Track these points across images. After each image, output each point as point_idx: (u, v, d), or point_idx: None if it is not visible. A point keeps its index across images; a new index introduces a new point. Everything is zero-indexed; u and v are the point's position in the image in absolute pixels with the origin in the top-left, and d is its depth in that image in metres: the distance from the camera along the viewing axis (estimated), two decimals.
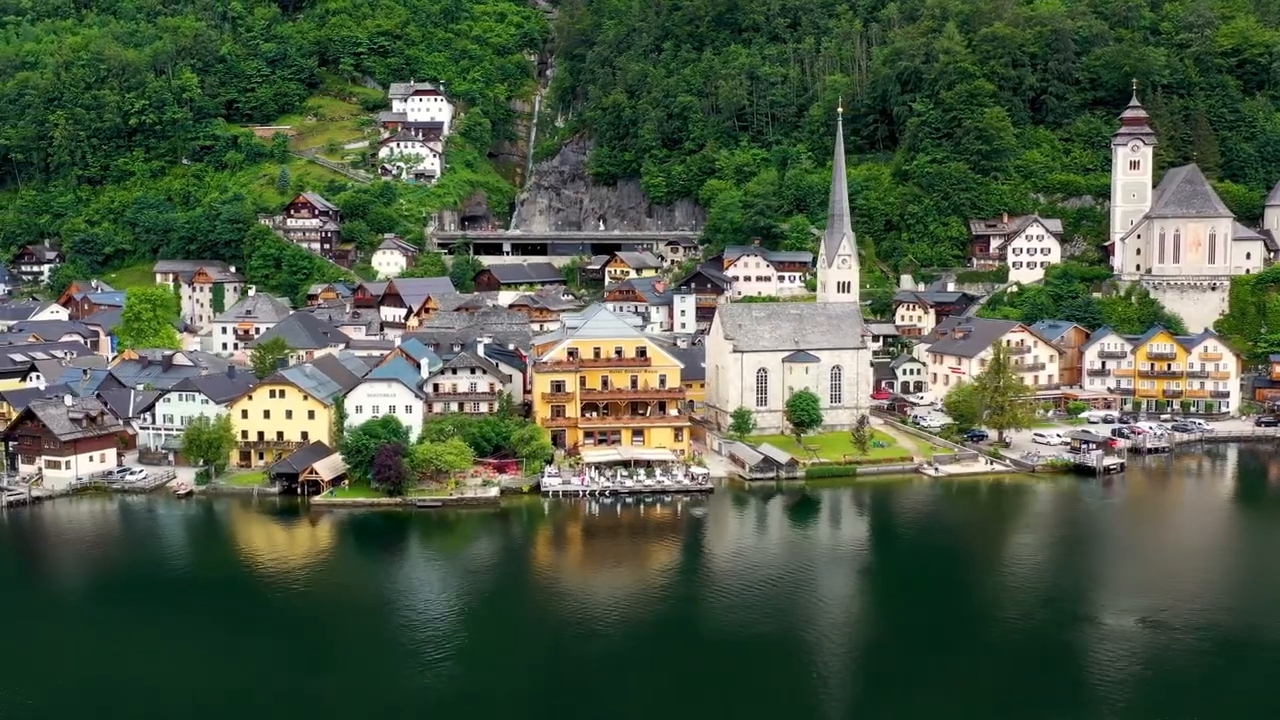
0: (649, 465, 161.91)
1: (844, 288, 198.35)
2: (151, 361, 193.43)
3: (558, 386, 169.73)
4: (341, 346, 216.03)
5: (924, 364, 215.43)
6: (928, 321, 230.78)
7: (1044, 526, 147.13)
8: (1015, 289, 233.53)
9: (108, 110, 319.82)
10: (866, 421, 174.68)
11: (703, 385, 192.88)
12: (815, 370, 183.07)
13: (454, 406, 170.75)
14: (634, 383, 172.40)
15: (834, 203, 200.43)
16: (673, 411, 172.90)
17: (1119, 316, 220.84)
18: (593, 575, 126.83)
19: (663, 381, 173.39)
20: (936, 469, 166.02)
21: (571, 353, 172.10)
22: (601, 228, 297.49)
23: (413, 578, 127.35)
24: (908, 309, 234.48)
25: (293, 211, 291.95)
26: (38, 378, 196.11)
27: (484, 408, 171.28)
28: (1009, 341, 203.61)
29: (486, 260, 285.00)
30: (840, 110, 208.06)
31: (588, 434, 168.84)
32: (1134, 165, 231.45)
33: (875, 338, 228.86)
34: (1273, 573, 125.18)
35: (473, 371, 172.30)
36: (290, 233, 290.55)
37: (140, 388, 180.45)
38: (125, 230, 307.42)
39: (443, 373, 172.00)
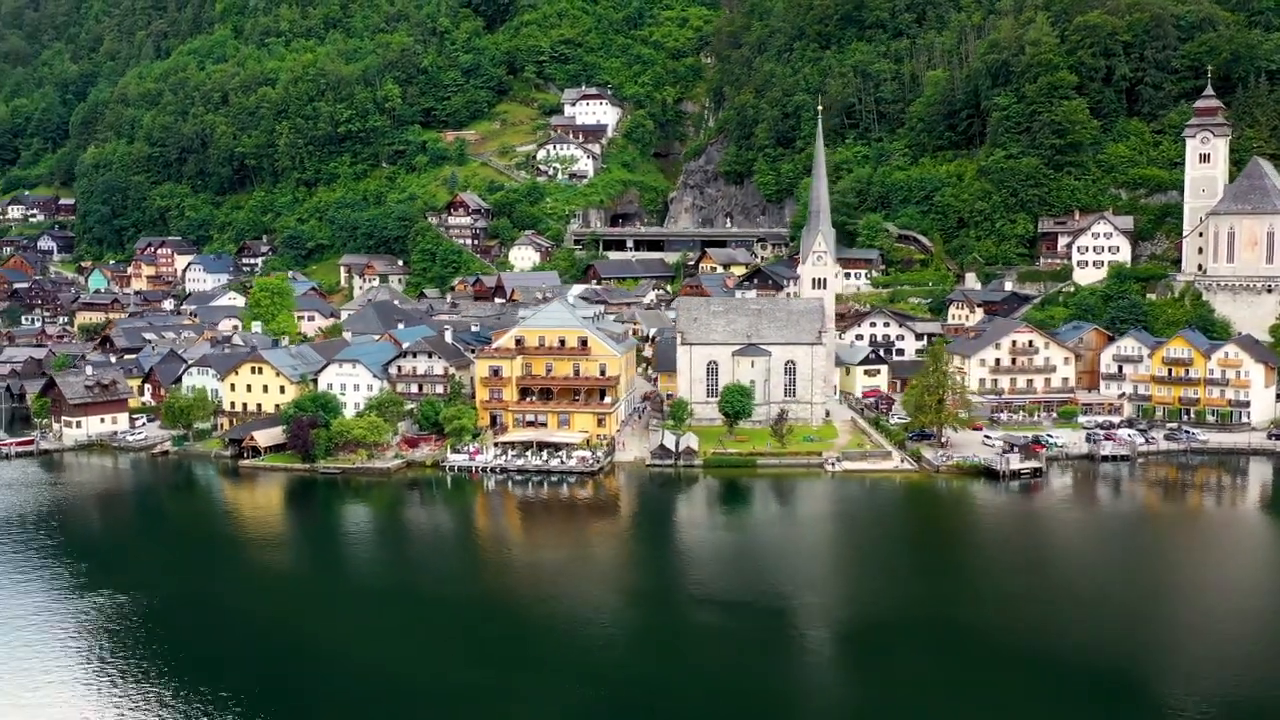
0: (556, 447, 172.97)
1: (819, 284, 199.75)
2: (219, 340, 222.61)
3: (495, 371, 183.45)
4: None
5: None
6: (974, 321, 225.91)
7: (838, 522, 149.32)
8: (1071, 289, 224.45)
9: (322, 120, 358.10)
10: (786, 416, 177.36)
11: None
12: (764, 364, 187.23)
13: (414, 387, 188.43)
14: (576, 370, 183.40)
15: (812, 199, 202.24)
16: (609, 399, 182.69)
17: (1166, 319, 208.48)
18: (389, 537, 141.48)
19: (603, 370, 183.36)
20: (834, 464, 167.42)
21: (518, 340, 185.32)
22: (728, 224, 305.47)
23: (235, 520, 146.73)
24: (957, 308, 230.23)
25: (452, 210, 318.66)
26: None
27: (439, 389, 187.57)
28: (1015, 343, 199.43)
29: (613, 255, 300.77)
30: (820, 108, 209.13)
31: (518, 416, 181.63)
32: (1204, 158, 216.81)
33: (918, 335, 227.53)
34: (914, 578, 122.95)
35: (430, 356, 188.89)
36: (450, 229, 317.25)
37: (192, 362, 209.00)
38: (326, 227, 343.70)
39: (402, 356, 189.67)
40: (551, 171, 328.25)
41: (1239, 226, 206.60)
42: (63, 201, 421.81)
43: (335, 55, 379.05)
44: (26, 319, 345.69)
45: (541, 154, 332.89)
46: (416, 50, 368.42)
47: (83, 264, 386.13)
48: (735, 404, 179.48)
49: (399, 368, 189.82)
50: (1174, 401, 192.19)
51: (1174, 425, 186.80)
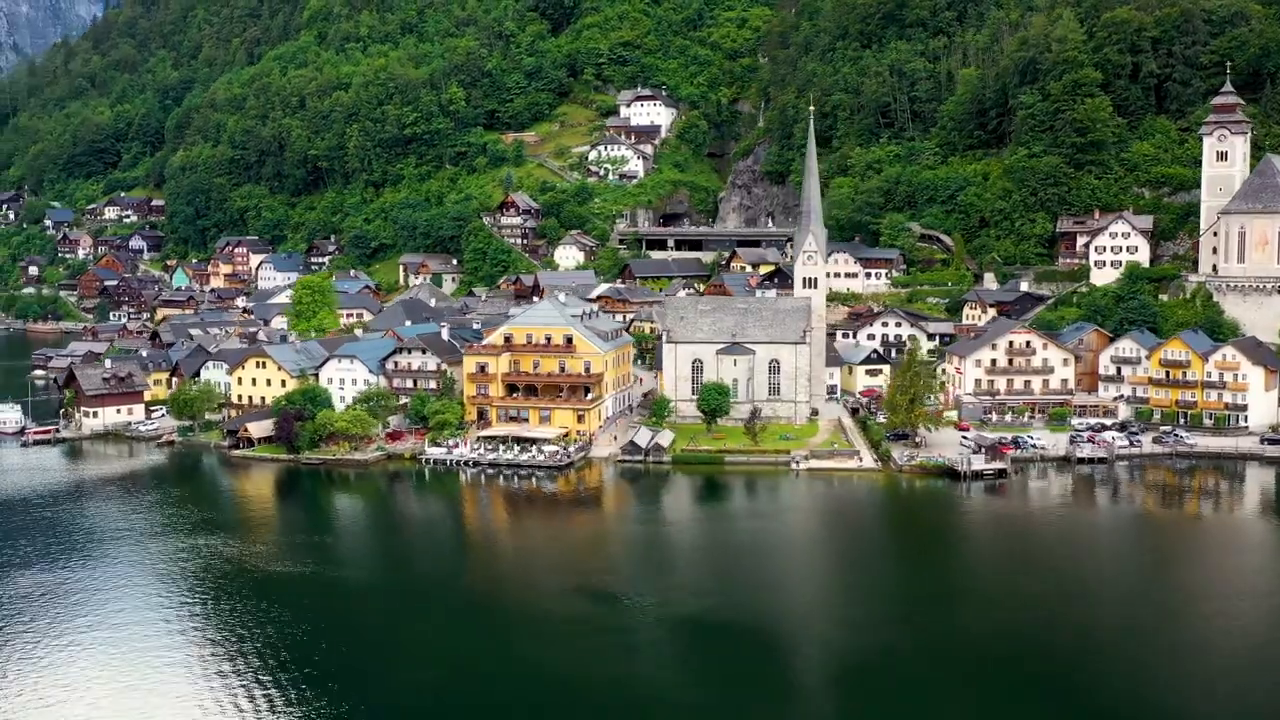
0: (530, 442, 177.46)
1: (809, 283, 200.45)
2: (245, 335, 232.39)
3: (481, 368, 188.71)
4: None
5: None
6: (985, 321, 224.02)
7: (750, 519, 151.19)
8: (1085, 289, 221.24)
9: (389, 123, 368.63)
10: (758, 414, 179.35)
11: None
12: (746, 363, 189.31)
13: (409, 382, 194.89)
14: (562, 367, 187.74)
15: (804, 200, 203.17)
16: (591, 395, 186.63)
17: (1176, 320, 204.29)
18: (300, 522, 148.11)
19: (588, 367, 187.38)
20: (798, 463, 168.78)
21: (507, 338, 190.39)
22: (770, 224, 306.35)
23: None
24: (971, 308, 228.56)
25: (503, 210, 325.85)
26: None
27: (433, 384, 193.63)
28: (1011, 343, 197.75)
29: (655, 255, 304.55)
30: (811, 108, 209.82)
31: (502, 412, 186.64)
32: (1221, 157, 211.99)
33: (930, 335, 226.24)
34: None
35: (424, 352, 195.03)
36: (502, 229, 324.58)
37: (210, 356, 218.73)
38: (389, 227, 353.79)
39: (398, 352, 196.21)
40: (602, 172, 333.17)
41: (1250, 226, 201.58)
42: (155, 202, 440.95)
43: (406, 59, 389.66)
44: (114, 315, 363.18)
45: (593, 154, 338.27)
46: (481, 54, 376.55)
47: (168, 262, 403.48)
48: (712, 402, 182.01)
49: (395, 363, 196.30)
50: (1171, 404, 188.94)
51: (1167, 428, 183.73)
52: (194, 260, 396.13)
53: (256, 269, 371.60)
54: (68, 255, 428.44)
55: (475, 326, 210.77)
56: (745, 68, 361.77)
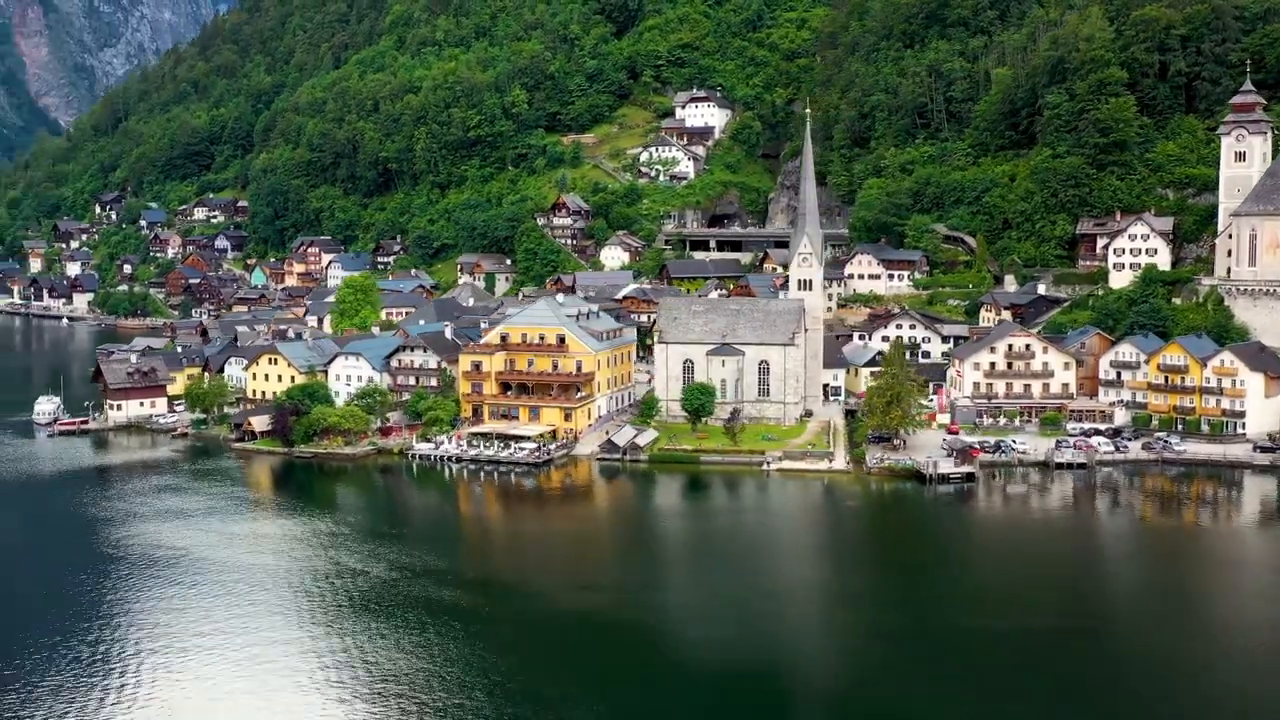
0: (516, 439, 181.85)
1: (805, 285, 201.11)
2: (275, 332, 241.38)
3: (476, 366, 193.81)
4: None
5: None
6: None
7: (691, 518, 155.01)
8: (1101, 292, 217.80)
9: (454, 125, 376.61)
10: (738, 415, 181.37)
11: None
12: (735, 364, 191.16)
13: (412, 379, 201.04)
14: (555, 366, 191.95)
15: (801, 201, 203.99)
16: (582, 394, 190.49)
17: (1187, 324, 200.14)
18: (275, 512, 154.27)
19: (579, 366, 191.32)
20: (770, 464, 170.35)
21: (503, 337, 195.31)
22: None
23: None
24: (987, 310, 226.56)
25: (555, 211, 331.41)
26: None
27: (434, 381, 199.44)
28: (1010, 346, 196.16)
29: (699, 255, 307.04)
30: (808, 111, 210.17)
31: (494, 409, 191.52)
32: (1239, 157, 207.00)
33: (945, 338, 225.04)
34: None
35: (425, 351, 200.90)
36: (554, 230, 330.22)
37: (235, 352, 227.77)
38: (452, 227, 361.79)
39: (400, 350, 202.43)
40: (653, 173, 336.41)
41: (1260, 228, 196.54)
42: (240, 204, 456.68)
43: (474, 63, 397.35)
44: (196, 312, 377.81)
45: (644, 156, 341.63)
46: (545, 57, 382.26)
47: (249, 261, 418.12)
48: (695, 402, 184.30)
49: (398, 361, 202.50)
50: (1169, 410, 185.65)
51: (1163, 434, 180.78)
52: (272, 259, 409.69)
53: (326, 268, 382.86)
54: (158, 254, 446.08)
55: (482, 325, 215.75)
56: (801, 68, 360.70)
